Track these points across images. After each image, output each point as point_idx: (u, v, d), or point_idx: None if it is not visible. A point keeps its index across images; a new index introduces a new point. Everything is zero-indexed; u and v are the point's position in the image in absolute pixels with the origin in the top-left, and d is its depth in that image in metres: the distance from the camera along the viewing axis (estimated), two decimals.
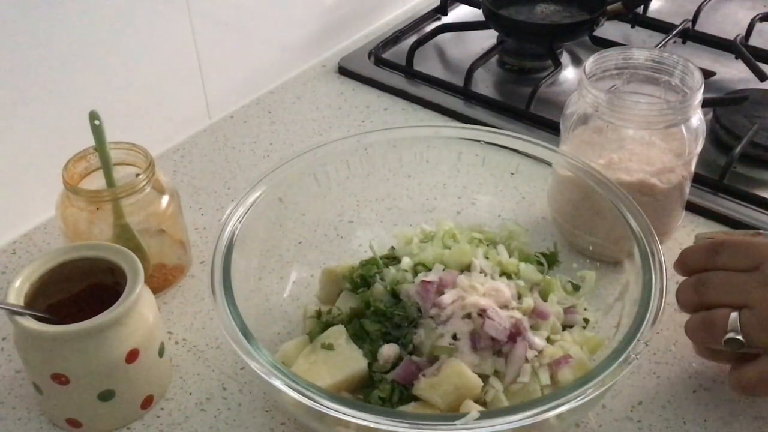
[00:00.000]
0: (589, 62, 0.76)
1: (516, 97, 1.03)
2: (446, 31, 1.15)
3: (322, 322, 0.67)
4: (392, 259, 0.72)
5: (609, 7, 1.08)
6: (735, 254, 0.61)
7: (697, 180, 0.86)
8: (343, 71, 1.09)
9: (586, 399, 0.53)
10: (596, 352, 0.64)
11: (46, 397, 0.64)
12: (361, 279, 0.69)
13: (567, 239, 0.77)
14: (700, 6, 1.17)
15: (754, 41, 1.11)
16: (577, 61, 1.11)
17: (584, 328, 0.68)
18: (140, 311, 0.63)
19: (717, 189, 0.87)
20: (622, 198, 0.67)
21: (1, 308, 0.61)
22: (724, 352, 0.62)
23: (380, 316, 0.65)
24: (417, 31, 1.18)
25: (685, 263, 0.65)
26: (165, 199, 0.74)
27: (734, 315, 0.59)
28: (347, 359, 0.62)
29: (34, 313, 0.61)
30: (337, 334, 0.64)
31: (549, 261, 0.73)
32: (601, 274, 0.71)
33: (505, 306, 0.64)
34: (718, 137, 0.94)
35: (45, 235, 0.84)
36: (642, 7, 1.17)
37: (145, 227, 0.73)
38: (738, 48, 1.07)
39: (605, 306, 0.69)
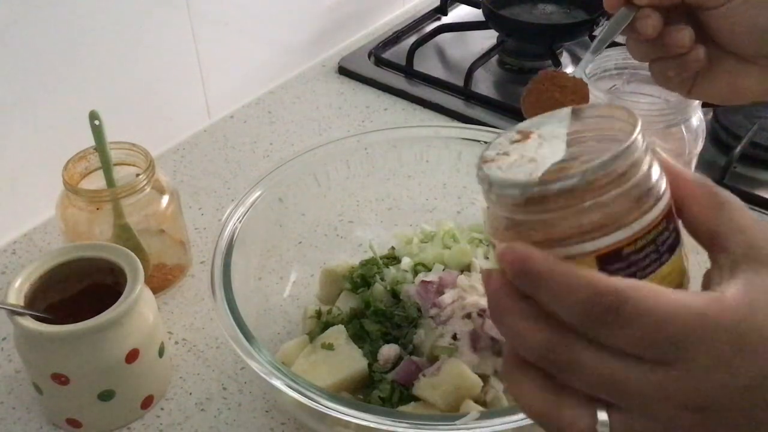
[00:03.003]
0: None
1: (516, 97, 1.02)
2: (446, 31, 1.15)
3: (322, 322, 0.67)
4: (392, 259, 0.72)
5: None
6: (638, 332, 0.32)
7: None
8: (343, 71, 1.09)
9: None
10: None
11: (46, 397, 0.64)
12: (361, 279, 0.69)
13: None
14: None
15: None
16: (577, 61, 1.11)
17: None
18: (140, 311, 0.63)
19: None
20: None
21: (1, 308, 0.61)
22: None
23: (380, 316, 0.65)
24: (417, 31, 1.18)
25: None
26: (165, 199, 0.74)
27: (603, 418, 0.35)
28: (347, 359, 0.62)
29: (34, 313, 0.61)
30: (337, 334, 0.64)
31: None
32: None
33: None
34: (718, 137, 0.94)
35: (45, 235, 0.84)
36: None
37: (145, 227, 0.73)
38: None
39: None
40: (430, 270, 0.68)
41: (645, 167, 0.34)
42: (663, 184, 0.35)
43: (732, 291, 0.33)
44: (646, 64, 0.77)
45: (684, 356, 0.32)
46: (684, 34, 0.53)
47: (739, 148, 0.87)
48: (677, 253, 0.35)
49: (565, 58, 1.10)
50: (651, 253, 0.34)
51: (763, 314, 0.32)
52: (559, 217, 0.33)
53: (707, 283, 0.35)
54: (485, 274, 0.36)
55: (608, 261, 0.33)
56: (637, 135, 0.33)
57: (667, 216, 0.35)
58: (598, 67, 0.77)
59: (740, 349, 0.32)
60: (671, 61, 0.55)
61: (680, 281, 0.35)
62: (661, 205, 0.34)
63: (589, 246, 0.33)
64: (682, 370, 0.32)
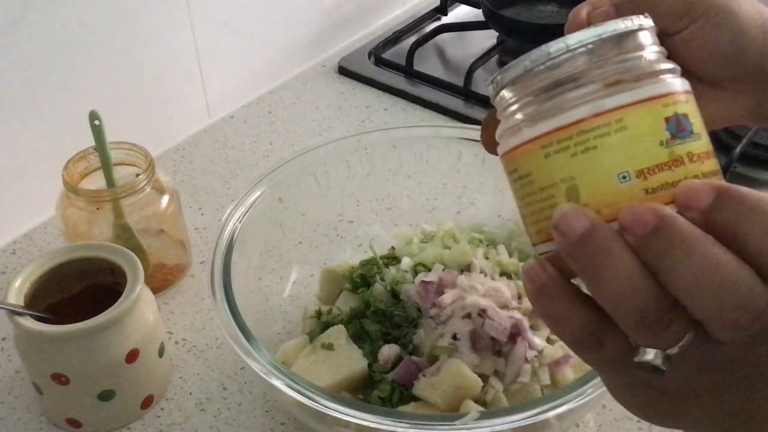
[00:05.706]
0: None
1: None
2: (446, 31, 1.15)
3: (322, 322, 0.67)
4: (392, 259, 0.72)
5: None
6: None
7: None
8: (343, 71, 1.09)
9: (586, 399, 0.53)
10: None
11: (46, 397, 0.64)
12: (361, 279, 0.69)
13: None
14: None
15: None
16: None
17: None
18: (140, 311, 0.63)
19: None
20: None
21: (1, 308, 0.61)
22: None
23: (380, 316, 0.65)
24: (417, 31, 1.18)
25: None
26: (165, 199, 0.74)
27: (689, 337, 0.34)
28: (347, 359, 0.62)
29: (34, 313, 0.61)
30: (337, 334, 0.64)
31: None
32: None
33: (505, 306, 0.64)
34: (718, 137, 0.93)
35: (45, 235, 0.84)
36: None
37: (145, 227, 0.73)
38: None
39: None
40: (430, 270, 0.68)
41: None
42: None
43: None
44: None
45: None
46: None
47: (739, 148, 0.87)
48: None
49: None
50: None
51: None
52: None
53: None
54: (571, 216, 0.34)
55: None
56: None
57: None
58: None
59: None
60: None
61: None
62: None
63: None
64: None
